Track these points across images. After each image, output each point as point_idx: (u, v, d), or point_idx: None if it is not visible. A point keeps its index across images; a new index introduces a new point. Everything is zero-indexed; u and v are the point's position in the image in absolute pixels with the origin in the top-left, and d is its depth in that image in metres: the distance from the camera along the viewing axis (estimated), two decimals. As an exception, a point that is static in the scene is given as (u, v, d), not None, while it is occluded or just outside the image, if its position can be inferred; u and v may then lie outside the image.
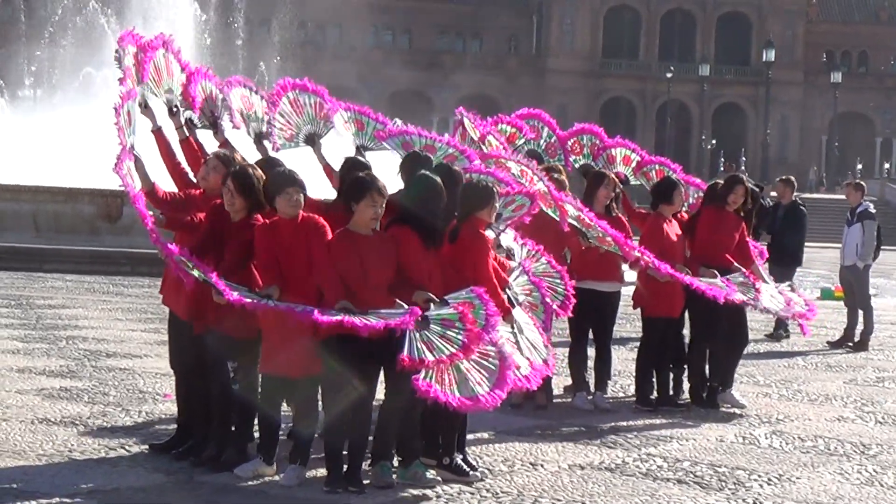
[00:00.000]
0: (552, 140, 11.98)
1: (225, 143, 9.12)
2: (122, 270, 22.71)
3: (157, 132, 8.82)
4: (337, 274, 7.65)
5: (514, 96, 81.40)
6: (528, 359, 8.19)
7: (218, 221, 8.11)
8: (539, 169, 10.42)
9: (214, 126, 9.24)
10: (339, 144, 9.57)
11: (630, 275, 11.44)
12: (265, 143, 9.35)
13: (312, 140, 9.37)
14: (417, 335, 7.45)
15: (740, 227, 11.44)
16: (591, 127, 12.17)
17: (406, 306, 7.54)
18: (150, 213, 7.96)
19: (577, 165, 11.94)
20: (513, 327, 8.30)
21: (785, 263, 16.53)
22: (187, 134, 9.04)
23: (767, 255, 13.23)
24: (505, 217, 9.25)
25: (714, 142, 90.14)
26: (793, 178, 18.32)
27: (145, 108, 8.79)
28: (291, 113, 9.33)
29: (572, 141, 11.99)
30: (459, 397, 7.45)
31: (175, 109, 9.08)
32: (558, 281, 9.48)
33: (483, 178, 8.81)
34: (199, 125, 9.30)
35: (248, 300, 7.52)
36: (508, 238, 9.31)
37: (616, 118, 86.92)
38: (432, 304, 7.66)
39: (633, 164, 11.94)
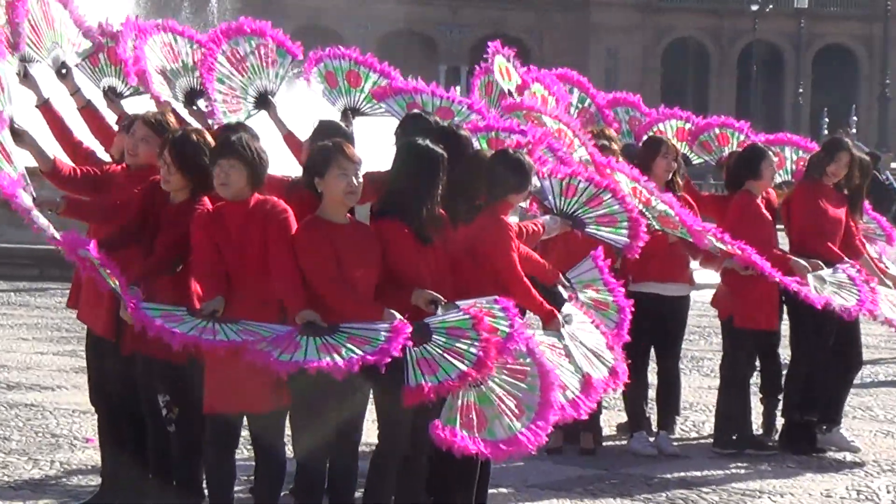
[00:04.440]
0: (586, 106, 12.00)
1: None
2: (27, 274, 22.70)
3: (45, 106, 8.93)
4: (300, 276, 7.48)
5: (548, 39, 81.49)
6: (583, 374, 8.09)
7: (152, 203, 8.03)
8: (585, 131, 10.47)
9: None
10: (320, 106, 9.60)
11: (703, 274, 11.42)
12: (201, 102, 9.46)
13: (265, 102, 9.53)
14: (415, 352, 7.35)
15: (844, 207, 11.41)
16: (625, 97, 12.33)
17: (397, 316, 7.38)
18: (34, 202, 7.62)
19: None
20: (560, 334, 8.22)
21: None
22: (87, 100, 9.19)
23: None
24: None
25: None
26: None
27: (25, 77, 8.92)
28: (232, 74, 9.46)
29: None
30: (495, 442, 7.33)
31: (64, 70, 9.23)
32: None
33: (517, 151, 8.82)
34: (128, 93, 9.47)
35: (179, 329, 7.16)
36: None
37: (683, 67, 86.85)
38: (439, 308, 7.58)
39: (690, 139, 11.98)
